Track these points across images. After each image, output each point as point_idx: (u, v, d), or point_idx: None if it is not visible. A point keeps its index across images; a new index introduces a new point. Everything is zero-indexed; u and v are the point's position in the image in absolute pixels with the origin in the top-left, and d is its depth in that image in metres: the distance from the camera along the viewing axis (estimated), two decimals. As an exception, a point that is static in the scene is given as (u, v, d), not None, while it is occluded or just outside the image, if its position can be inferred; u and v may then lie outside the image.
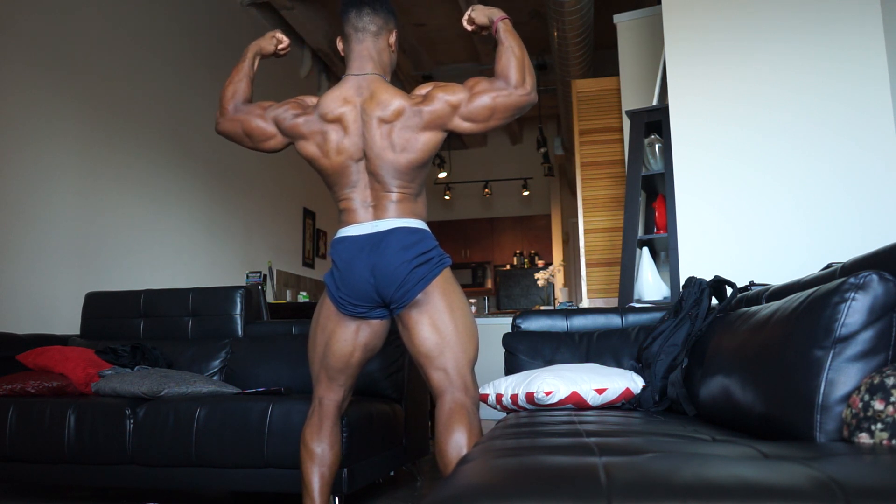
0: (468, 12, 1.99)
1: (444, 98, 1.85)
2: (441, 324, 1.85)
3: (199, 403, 2.60)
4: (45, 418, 2.67)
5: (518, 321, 2.74)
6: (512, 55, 1.85)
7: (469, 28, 2.00)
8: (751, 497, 0.70)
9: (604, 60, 7.21)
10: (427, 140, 1.87)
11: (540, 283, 6.41)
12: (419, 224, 1.89)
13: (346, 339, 1.92)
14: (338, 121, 1.87)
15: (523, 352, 2.56)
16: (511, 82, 1.83)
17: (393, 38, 2.00)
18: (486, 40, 7.15)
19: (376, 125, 1.85)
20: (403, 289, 1.82)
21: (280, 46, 2.09)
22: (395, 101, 1.85)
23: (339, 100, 1.88)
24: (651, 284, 3.45)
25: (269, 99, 2.06)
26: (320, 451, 1.97)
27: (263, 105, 1.99)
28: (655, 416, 1.79)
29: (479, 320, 5.78)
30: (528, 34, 7.46)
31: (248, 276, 4.83)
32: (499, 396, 2.10)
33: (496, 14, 1.93)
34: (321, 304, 1.98)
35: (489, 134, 10.92)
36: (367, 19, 1.94)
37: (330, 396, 2.00)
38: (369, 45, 1.94)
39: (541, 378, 1.99)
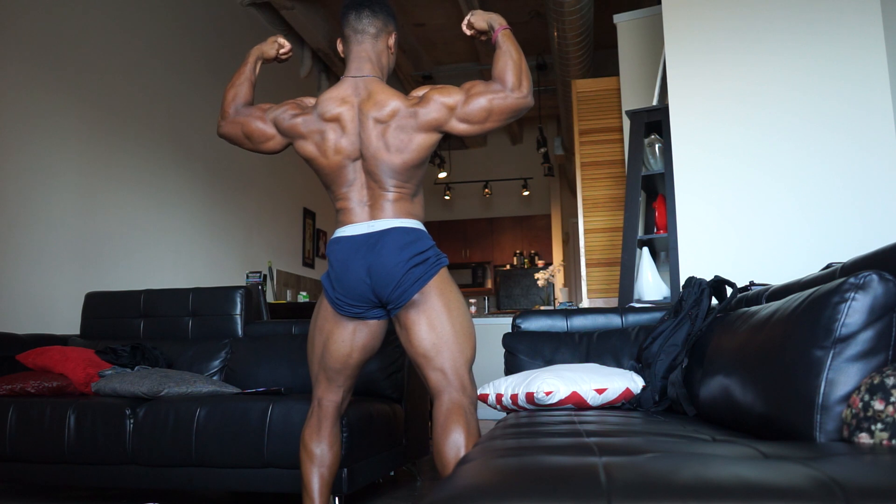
0: (468, 17, 1.99)
1: (441, 100, 1.85)
2: (438, 324, 1.85)
3: (199, 403, 2.60)
4: (45, 418, 2.67)
5: (518, 321, 2.74)
6: (509, 58, 1.86)
7: (468, 33, 2.00)
8: (751, 497, 0.70)
9: (604, 60, 7.21)
10: (422, 141, 1.87)
11: (540, 283, 6.42)
12: (415, 224, 1.89)
13: (343, 339, 1.92)
14: (335, 120, 1.88)
15: (523, 352, 2.56)
16: (508, 85, 1.84)
17: (392, 41, 2.01)
18: (485, 43, 7.14)
19: (372, 125, 1.86)
20: (400, 289, 1.82)
21: (282, 51, 2.11)
22: (391, 101, 1.86)
23: (337, 100, 1.89)
24: (651, 284, 3.45)
25: (269, 99, 2.08)
26: (319, 452, 1.97)
27: (263, 107, 2.00)
28: (655, 416, 1.79)
29: (479, 320, 5.78)
30: (528, 34, 7.46)
31: (248, 276, 4.83)
32: (499, 396, 2.10)
33: (496, 22, 1.93)
34: (319, 306, 1.99)
35: (489, 134, 10.92)
36: (367, 21, 1.96)
37: (329, 397, 2.00)
38: (368, 46, 1.96)
39: (541, 378, 1.99)
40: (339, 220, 1.93)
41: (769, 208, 2.91)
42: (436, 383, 1.87)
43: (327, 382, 1.99)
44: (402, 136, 1.85)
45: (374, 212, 1.88)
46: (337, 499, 2.40)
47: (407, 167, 1.88)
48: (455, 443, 1.79)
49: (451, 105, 1.85)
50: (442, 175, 9.77)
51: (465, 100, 1.85)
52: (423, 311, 1.85)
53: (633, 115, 3.63)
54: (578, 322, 2.69)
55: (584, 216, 4.68)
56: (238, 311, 3.38)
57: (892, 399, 1.00)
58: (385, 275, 1.81)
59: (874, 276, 1.15)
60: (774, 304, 1.44)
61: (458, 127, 1.87)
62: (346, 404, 2.08)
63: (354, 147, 1.87)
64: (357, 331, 1.92)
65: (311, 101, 1.96)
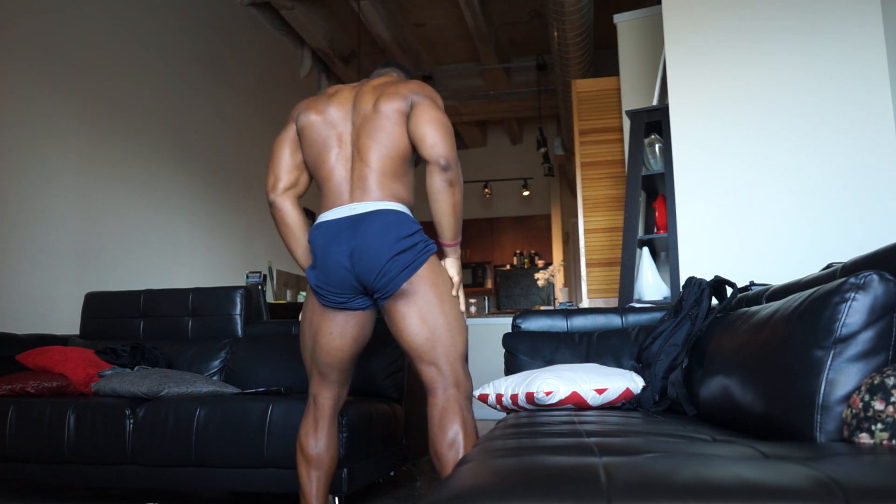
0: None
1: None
2: (430, 317, 1.80)
3: (199, 403, 2.60)
4: (45, 418, 2.67)
5: (518, 321, 2.74)
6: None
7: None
8: (751, 497, 0.70)
9: (604, 60, 7.22)
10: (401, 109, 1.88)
11: (540, 283, 6.42)
12: (400, 207, 1.83)
13: (332, 332, 1.88)
14: (334, 94, 1.93)
15: (523, 352, 2.56)
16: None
17: None
18: (485, 40, 7.14)
19: (368, 91, 1.88)
20: (386, 277, 1.76)
21: None
22: (394, 80, 1.91)
23: (345, 86, 1.97)
24: (651, 284, 3.45)
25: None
26: (316, 454, 1.95)
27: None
28: (655, 416, 1.79)
29: (479, 320, 5.78)
30: (527, 34, 7.45)
31: (248, 276, 4.83)
32: (499, 396, 2.09)
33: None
34: (307, 300, 1.95)
35: (489, 134, 10.92)
36: (391, 69, 2.10)
37: (324, 394, 1.97)
38: (385, 77, 2.04)
39: (541, 378, 1.99)
40: (321, 207, 1.89)
41: (769, 208, 2.91)
42: (430, 378, 1.84)
43: (321, 378, 1.96)
44: (391, 98, 1.85)
45: (357, 192, 1.82)
46: (336, 499, 2.40)
47: (390, 122, 1.84)
48: (452, 439, 1.78)
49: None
50: (442, 175, 9.75)
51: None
52: (413, 302, 1.79)
53: (633, 115, 3.63)
54: (578, 322, 2.69)
55: (584, 216, 4.68)
56: (238, 311, 3.38)
57: (893, 399, 1.00)
58: (368, 259, 1.75)
59: (874, 276, 1.15)
60: (774, 305, 1.44)
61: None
62: (343, 402, 2.05)
63: (344, 114, 1.88)
64: (345, 322, 1.87)
65: None
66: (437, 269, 1.85)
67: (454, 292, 1.90)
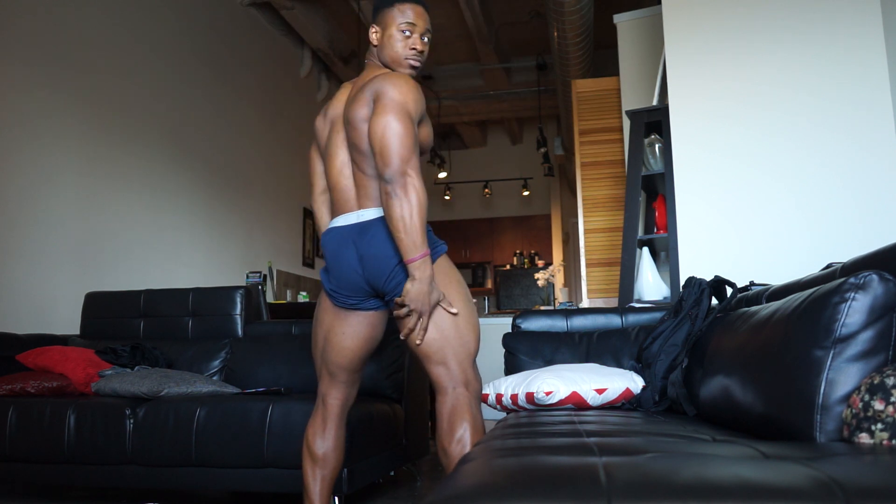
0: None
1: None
2: (439, 318, 1.80)
3: (199, 403, 2.60)
4: (45, 418, 2.67)
5: (518, 321, 2.74)
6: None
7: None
8: (751, 497, 0.70)
9: (604, 60, 7.22)
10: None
11: (540, 283, 6.41)
12: None
13: (343, 332, 1.92)
14: (335, 97, 1.96)
15: (523, 352, 2.56)
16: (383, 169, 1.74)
17: (374, 27, 1.93)
18: (485, 40, 7.14)
19: (357, 91, 1.88)
20: (396, 280, 1.79)
21: None
22: (372, 72, 1.91)
23: (347, 84, 2.00)
24: (651, 284, 3.45)
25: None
26: (323, 454, 1.96)
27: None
28: (655, 416, 1.79)
29: (479, 320, 5.77)
30: (528, 34, 7.45)
31: (248, 276, 4.83)
32: (499, 396, 2.09)
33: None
34: (319, 300, 2.00)
35: (489, 134, 10.92)
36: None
37: (333, 394, 1.99)
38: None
39: (541, 378, 1.99)
40: (332, 213, 1.95)
41: (769, 208, 2.91)
42: (438, 379, 1.84)
43: (330, 378, 1.97)
44: (362, 105, 1.83)
45: (362, 200, 1.86)
46: (337, 499, 2.40)
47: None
48: (461, 439, 1.78)
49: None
50: (442, 175, 9.76)
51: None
52: None
53: (633, 115, 3.63)
54: (578, 322, 2.69)
55: (584, 216, 4.68)
56: (238, 311, 3.38)
57: (893, 399, 1.00)
58: (377, 264, 1.79)
59: (874, 276, 1.15)
60: (774, 305, 1.44)
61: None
62: (352, 403, 2.06)
63: (338, 113, 1.92)
64: (359, 323, 1.91)
65: None
66: (445, 269, 1.86)
67: (407, 317, 1.75)
